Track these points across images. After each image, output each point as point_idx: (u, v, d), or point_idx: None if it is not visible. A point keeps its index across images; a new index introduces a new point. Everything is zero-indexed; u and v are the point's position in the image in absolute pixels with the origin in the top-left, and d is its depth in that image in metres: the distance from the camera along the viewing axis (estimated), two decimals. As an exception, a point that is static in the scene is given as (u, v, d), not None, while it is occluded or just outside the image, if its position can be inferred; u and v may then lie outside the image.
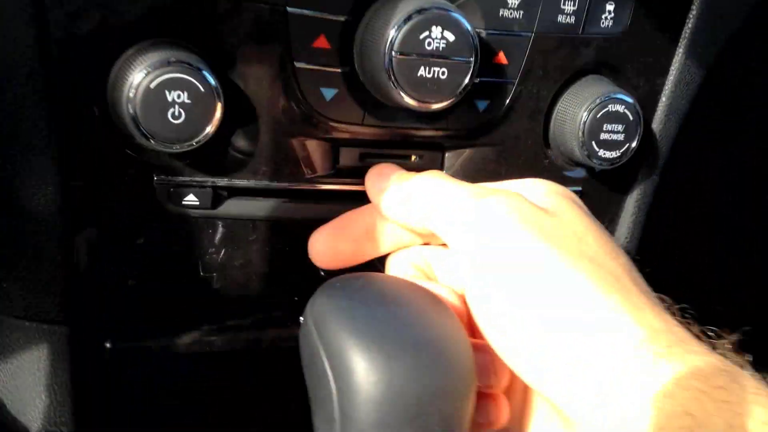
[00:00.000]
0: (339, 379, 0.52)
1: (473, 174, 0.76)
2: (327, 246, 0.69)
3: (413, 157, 0.75)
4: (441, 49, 0.64)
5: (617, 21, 0.74)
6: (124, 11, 0.60)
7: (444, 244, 0.64)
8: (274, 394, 0.82)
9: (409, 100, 0.65)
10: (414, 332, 0.54)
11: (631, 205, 0.86)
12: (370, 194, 0.69)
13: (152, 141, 0.60)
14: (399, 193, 0.66)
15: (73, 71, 0.61)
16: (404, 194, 0.65)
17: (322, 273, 0.71)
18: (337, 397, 0.52)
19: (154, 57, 0.59)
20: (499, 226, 0.58)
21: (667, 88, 0.81)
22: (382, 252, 0.69)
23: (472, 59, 0.65)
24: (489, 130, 0.75)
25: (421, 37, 0.63)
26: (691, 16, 0.78)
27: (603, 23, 0.74)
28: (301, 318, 0.57)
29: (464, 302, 0.61)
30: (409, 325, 0.55)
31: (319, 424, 0.55)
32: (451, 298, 0.62)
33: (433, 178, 0.65)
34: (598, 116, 0.74)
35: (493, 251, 0.57)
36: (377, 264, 0.70)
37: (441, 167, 0.76)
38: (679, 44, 0.79)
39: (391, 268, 0.68)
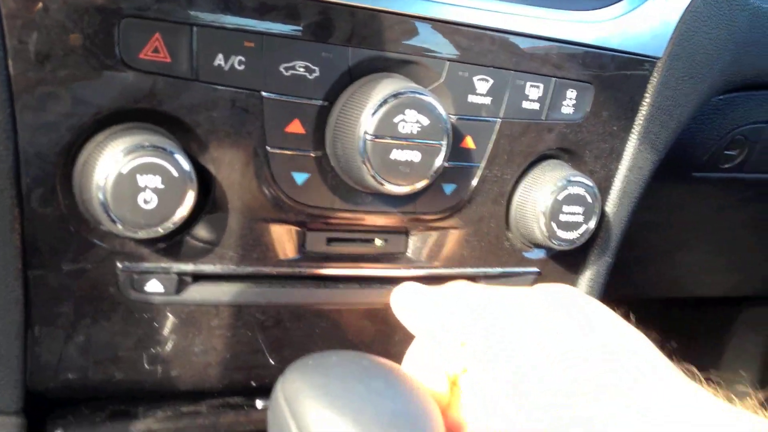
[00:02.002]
0: None
1: (436, 256, 0.76)
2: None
3: (377, 241, 0.74)
4: (415, 132, 0.64)
5: (578, 108, 0.76)
6: (95, 96, 0.58)
7: None
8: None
9: (382, 184, 0.65)
10: (389, 406, 0.54)
11: (584, 284, 0.87)
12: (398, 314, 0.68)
13: (120, 227, 0.58)
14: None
15: (40, 156, 0.58)
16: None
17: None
18: None
19: (126, 142, 0.57)
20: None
21: (620, 172, 0.82)
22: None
23: (444, 142, 0.66)
24: (454, 214, 0.75)
25: (396, 120, 0.64)
26: (644, 104, 0.80)
27: (565, 110, 0.75)
28: (258, 404, 0.55)
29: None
30: (384, 399, 0.55)
31: None
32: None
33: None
34: (559, 198, 0.75)
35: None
36: None
37: (405, 250, 0.75)
38: (633, 131, 0.81)
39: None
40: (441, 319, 0.62)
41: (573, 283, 0.86)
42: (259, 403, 0.74)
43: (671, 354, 0.61)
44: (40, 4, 0.55)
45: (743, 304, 1.76)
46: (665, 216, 1.16)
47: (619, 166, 0.83)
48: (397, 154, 0.64)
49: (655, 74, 0.80)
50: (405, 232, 0.75)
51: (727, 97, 0.98)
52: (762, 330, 1.77)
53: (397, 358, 0.77)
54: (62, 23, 0.56)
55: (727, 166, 1.08)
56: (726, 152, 1.06)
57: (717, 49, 0.86)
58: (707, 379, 0.60)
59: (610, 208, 0.84)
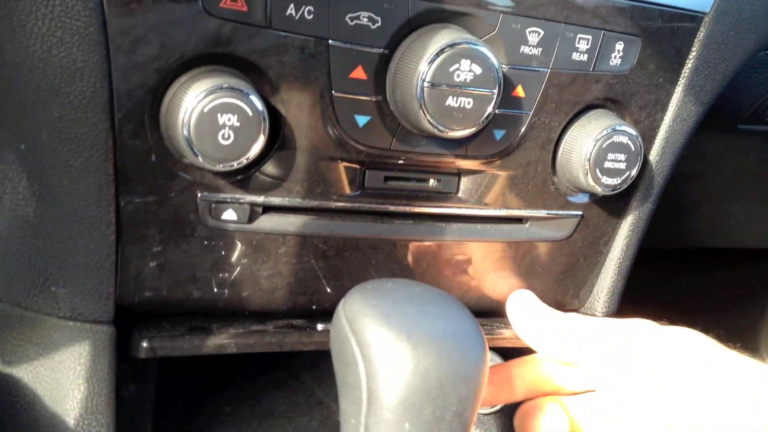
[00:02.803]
0: (369, 365, 0.59)
1: (484, 197, 0.82)
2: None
3: (431, 181, 0.80)
4: (468, 81, 0.69)
5: (625, 60, 0.80)
6: (180, 41, 0.64)
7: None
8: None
9: (437, 128, 0.70)
10: (437, 326, 0.61)
11: (626, 228, 0.91)
12: (518, 332, 0.84)
13: (202, 160, 0.64)
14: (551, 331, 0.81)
15: (131, 95, 0.65)
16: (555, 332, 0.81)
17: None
18: (366, 381, 0.59)
19: (207, 83, 0.63)
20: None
21: (665, 123, 0.86)
22: (515, 398, 0.83)
23: (495, 90, 0.71)
24: (503, 158, 0.80)
25: (451, 69, 0.69)
26: (691, 57, 0.84)
27: (612, 62, 0.79)
28: (318, 326, 0.64)
29: None
30: (433, 319, 0.62)
31: (346, 405, 0.62)
32: None
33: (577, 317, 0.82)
34: (603, 146, 0.80)
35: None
36: None
37: (456, 191, 0.81)
38: (679, 83, 0.85)
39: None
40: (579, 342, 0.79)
41: (615, 227, 0.91)
42: (319, 326, 0.81)
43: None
44: None
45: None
46: (709, 166, 1.19)
47: (664, 117, 0.86)
48: (451, 101, 0.70)
49: (702, 29, 0.83)
50: (457, 174, 0.81)
51: (773, 52, 1.00)
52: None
53: (444, 287, 0.84)
54: None
55: (772, 120, 1.11)
56: (772, 107, 1.09)
57: (764, 4, 0.88)
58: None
59: (653, 156, 0.88)
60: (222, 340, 0.76)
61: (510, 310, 0.85)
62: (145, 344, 0.73)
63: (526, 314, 0.83)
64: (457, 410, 0.58)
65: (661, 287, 1.76)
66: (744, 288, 1.81)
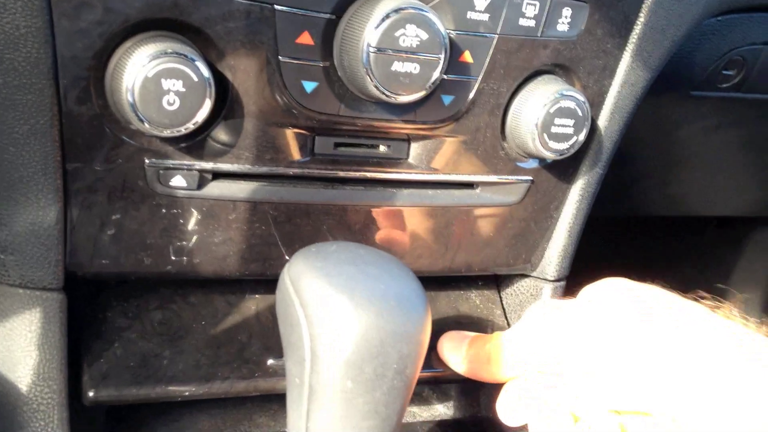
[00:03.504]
0: (311, 325, 0.61)
1: (435, 162, 0.82)
2: (450, 355, 0.81)
3: (381, 147, 0.81)
4: (414, 46, 0.70)
5: (573, 25, 0.81)
6: (124, 6, 0.64)
7: None
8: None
9: (384, 93, 0.71)
10: (379, 286, 0.63)
11: (576, 193, 0.93)
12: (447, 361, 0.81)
13: (147, 125, 0.65)
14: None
15: (76, 61, 0.65)
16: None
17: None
18: (309, 341, 0.61)
19: (152, 48, 0.64)
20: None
21: (613, 88, 0.88)
22: (497, 379, 0.76)
23: (441, 56, 0.72)
24: (452, 123, 0.81)
25: (397, 34, 0.69)
26: (638, 23, 0.85)
27: (560, 27, 0.80)
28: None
29: None
30: (375, 280, 0.63)
31: (291, 365, 0.64)
32: None
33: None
34: (551, 111, 0.81)
35: None
36: None
37: (407, 156, 0.82)
38: (626, 49, 0.86)
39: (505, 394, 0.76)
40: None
41: (564, 191, 0.92)
42: (270, 361, 0.83)
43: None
44: None
45: (747, 225, 1.81)
46: (663, 134, 1.21)
47: (612, 83, 0.87)
48: (397, 66, 0.70)
49: (649, -6, 0.84)
50: (407, 140, 0.81)
51: (724, 18, 1.02)
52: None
53: (395, 252, 0.85)
54: None
55: (725, 85, 1.12)
56: (724, 72, 1.10)
57: (712, -29, 0.90)
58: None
59: (602, 122, 0.89)
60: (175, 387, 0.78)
61: (440, 347, 0.83)
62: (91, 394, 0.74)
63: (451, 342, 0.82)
64: (398, 368, 0.60)
65: (616, 254, 1.79)
66: (700, 254, 1.85)
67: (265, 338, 0.83)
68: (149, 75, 0.63)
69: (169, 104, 0.65)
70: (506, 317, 1.00)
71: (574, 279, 0.96)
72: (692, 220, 1.73)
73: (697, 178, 1.37)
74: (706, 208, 1.50)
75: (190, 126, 0.66)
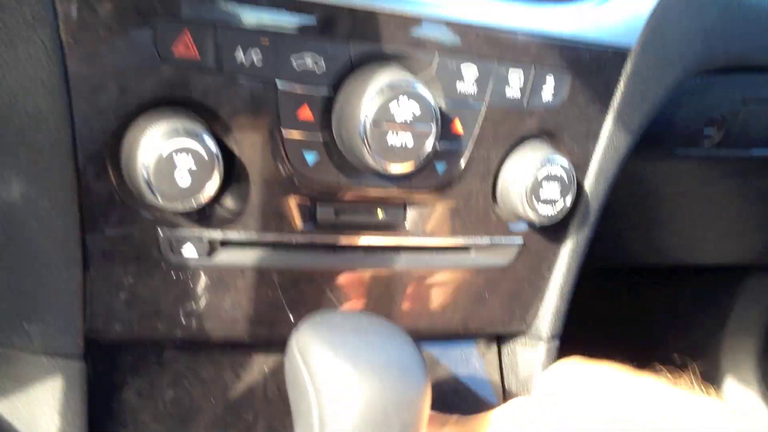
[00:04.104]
0: (319, 394, 0.64)
1: (430, 227, 0.87)
2: None
3: (379, 213, 0.85)
4: (408, 119, 0.75)
5: (556, 94, 0.86)
6: (138, 86, 0.69)
7: None
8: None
9: (380, 164, 0.75)
10: (382, 356, 0.67)
11: (566, 253, 0.97)
12: None
13: (161, 200, 0.69)
14: None
15: (93, 139, 0.70)
16: None
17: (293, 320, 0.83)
18: (317, 409, 0.64)
19: (163, 127, 0.68)
20: None
21: (597, 152, 0.92)
22: None
23: (434, 127, 0.76)
24: (445, 189, 0.85)
25: (391, 107, 0.74)
26: (618, 89, 0.90)
27: (544, 96, 0.85)
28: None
29: None
30: (378, 350, 0.67)
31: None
32: None
33: None
34: (539, 177, 0.85)
35: None
36: None
37: (403, 222, 0.86)
38: (608, 114, 0.91)
39: None
40: None
41: (555, 252, 0.96)
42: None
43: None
44: (89, 6, 0.66)
45: (740, 273, 1.83)
46: (649, 189, 1.25)
47: (596, 147, 0.92)
48: (392, 138, 0.74)
49: (628, 62, 0.89)
50: (403, 206, 0.86)
51: (702, 80, 1.07)
52: (761, 299, 1.84)
53: (395, 314, 0.89)
54: (108, 23, 0.67)
55: (706, 144, 1.17)
56: (705, 130, 1.15)
57: (688, 38, 0.94)
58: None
59: (587, 185, 0.93)
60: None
61: None
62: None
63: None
64: None
65: (608, 305, 1.82)
66: (690, 303, 1.88)
67: (273, 412, 0.86)
68: (163, 154, 0.68)
69: (181, 179, 0.69)
70: (502, 376, 1.03)
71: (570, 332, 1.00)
72: (678, 270, 1.76)
73: (681, 229, 1.42)
74: (691, 257, 1.54)
75: (201, 199, 0.71)
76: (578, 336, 1.00)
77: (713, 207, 1.40)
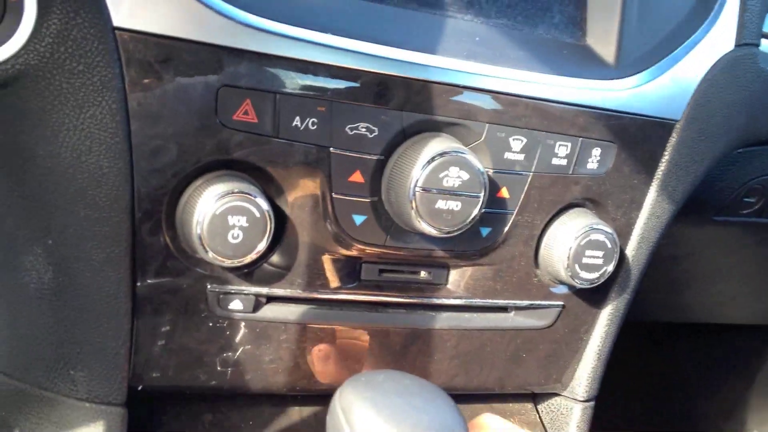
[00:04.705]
0: None
1: (472, 289, 0.88)
2: None
3: (422, 273, 0.86)
4: (457, 186, 0.76)
5: (602, 163, 0.87)
6: (197, 148, 0.71)
7: None
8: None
9: (427, 228, 0.77)
10: (424, 418, 0.67)
11: (605, 317, 0.97)
12: None
13: (213, 256, 0.71)
14: None
15: (151, 197, 0.72)
16: None
17: None
18: None
19: (220, 188, 0.70)
20: None
21: (640, 220, 0.93)
22: None
23: (481, 194, 0.78)
24: (489, 253, 0.87)
25: (441, 175, 0.76)
26: (663, 160, 0.91)
27: (590, 165, 0.86)
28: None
29: None
30: (420, 411, 0.68)
31: None
32: None
33: None
34: (582, 243, 0.86)
35: None
36: None
37: (446, 282, 0.87)
38: (652, 184, 0.92)
39: None
40: None
41: (594, 316, 0.97)
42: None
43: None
44: (155, 74, 0.68)
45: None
46: (689, 251, 1.26)
47: (639, 215, 0.93)
48: (441, 204, 0.76)
49: (673, 135, 0.90)
50: (446, 267, 0.87)
51: (744, 150, 1.07)
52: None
53: (434, 372, 0.90)
54: (172, 90, 0.69)
55: (746, 211, 1.17)
56: (745, 199, 1.16)
57: (732, 112, 0.95)
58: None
59: (629, 251, 0.94)
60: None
61: None
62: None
63: None
64: None
65: (637, 359, 1.81)
66: (725, 362, 1.87)
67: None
68: (217, 212, 0.70)
69: (234, 238, 0.71)
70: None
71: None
72: (710, 327, 1.76)
73: (723, 289, 1.42)
74: (723, 316, 1.54)
75: (252, 256, 0.72)
76: (608, 389, 1.01)
77: (748, 269, 1.40)
